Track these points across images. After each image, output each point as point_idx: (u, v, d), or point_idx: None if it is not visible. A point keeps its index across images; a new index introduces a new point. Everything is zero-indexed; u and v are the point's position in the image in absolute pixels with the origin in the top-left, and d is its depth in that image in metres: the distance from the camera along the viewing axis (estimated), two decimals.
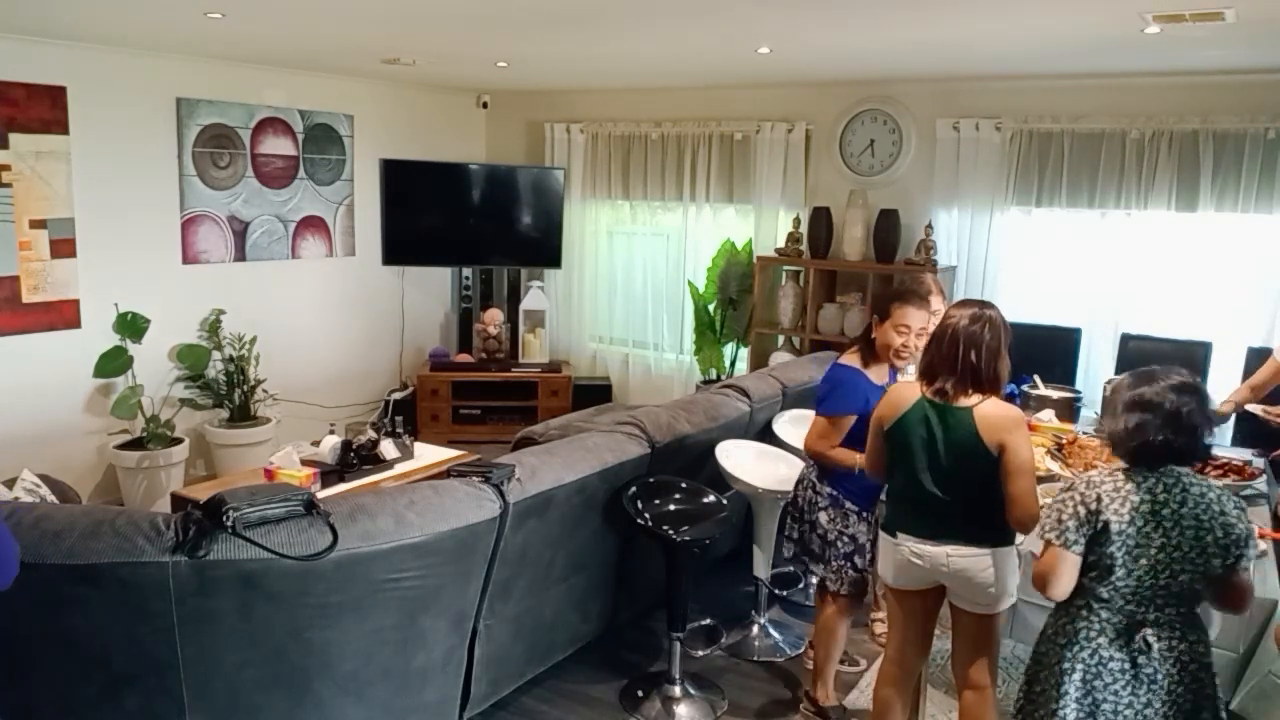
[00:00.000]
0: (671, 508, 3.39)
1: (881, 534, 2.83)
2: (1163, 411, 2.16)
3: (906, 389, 2.74)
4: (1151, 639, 2.18)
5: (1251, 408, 3.84)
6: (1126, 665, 2.19)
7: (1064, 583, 2.21)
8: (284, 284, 6.10)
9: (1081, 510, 2.18)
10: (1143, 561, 2.15)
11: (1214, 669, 2.24)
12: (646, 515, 3.28)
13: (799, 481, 3.32)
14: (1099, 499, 2.17)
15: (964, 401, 2.61)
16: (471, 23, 4.09)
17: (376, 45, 4.85)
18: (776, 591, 4.13)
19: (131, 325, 5.14)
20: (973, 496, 2.61)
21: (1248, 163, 4.67)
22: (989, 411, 2.59)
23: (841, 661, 3.51)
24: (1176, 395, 2.16)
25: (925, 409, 2.65)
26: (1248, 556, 2.15)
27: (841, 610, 3.25)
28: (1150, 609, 2.19)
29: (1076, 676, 2.21)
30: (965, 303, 2.75)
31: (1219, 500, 2.16)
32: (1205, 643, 2.24)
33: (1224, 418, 3.90)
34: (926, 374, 2.68)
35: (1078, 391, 4.44)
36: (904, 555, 2.70)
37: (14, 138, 4.68)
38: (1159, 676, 2.19)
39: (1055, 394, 4.27)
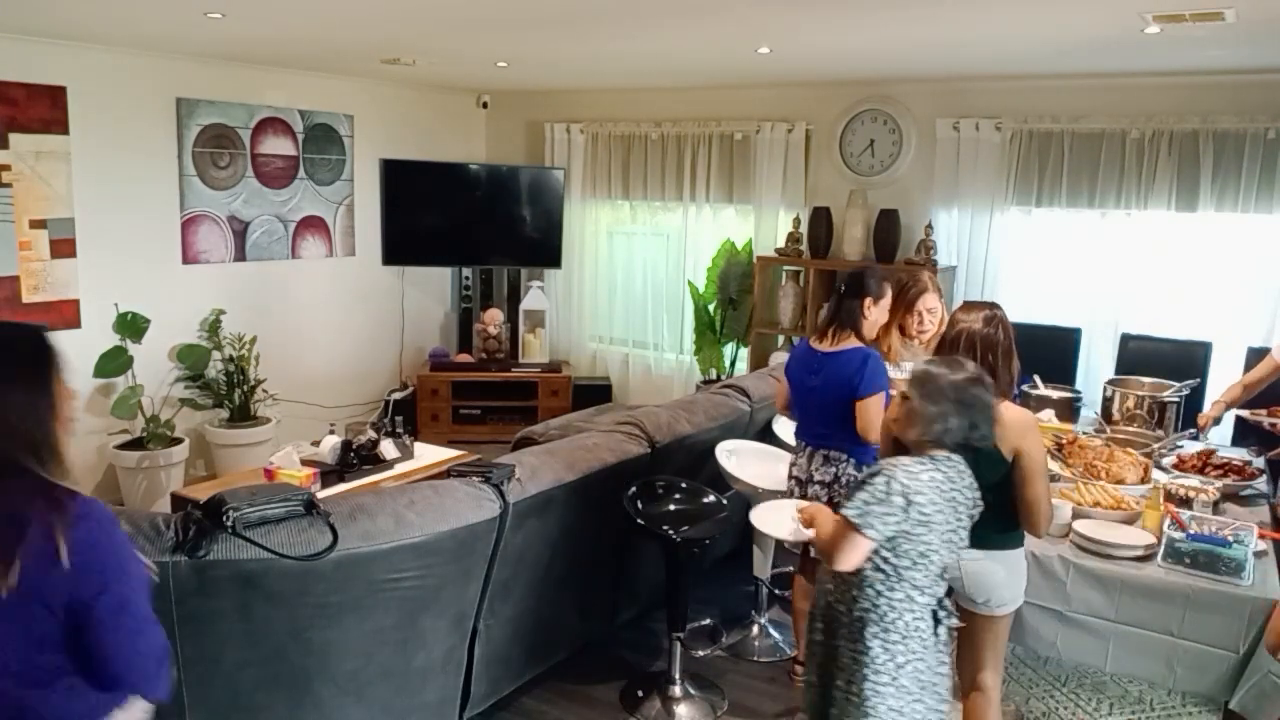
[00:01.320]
0: (671, 508, 3.39)
1: None
2: (983, 406, 2.29)
3: None
4: (948, 605, 2.34)
5: (1239, 411, 3.86)
6: (933, 638, 2.31)
7: (854, 561, 2.23)
8: (284, 284, 6.10)
9: (900, 501, 2.18)
10: (947, 544, 2.27)
11: None
12: (646, 515, 3.28)
13: (825, 483, 3.25)
14: (920, 491, 2.19)
15: None
16: (471, 23, 4.09)
17: (376, 45, 4.85)
18: (776, 591, 4.13)
19: (131, 325, 5.14)
20: (986, 500, 2.60)
21: (1248, 163, 4.67)
22: (1004, 417, 2.58)
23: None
24: (987, 391, 2.31)
25: None
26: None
27: None
28: (939, 586, 2.32)
29: (909, 666, 2.27)
30: (973, 305, 2.75)
31: (970, 475, 2.34)
32: None
33: (1213, 423, 3.91)
34: None
35: (1078, 391, 4.44)
36: None
37: (14, 138, 4.68)
38: (948, 638, 2.37)
39: (1055, 394, 4.27)
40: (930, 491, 2.20)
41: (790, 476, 3.41)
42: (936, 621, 2.30)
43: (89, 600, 1.52)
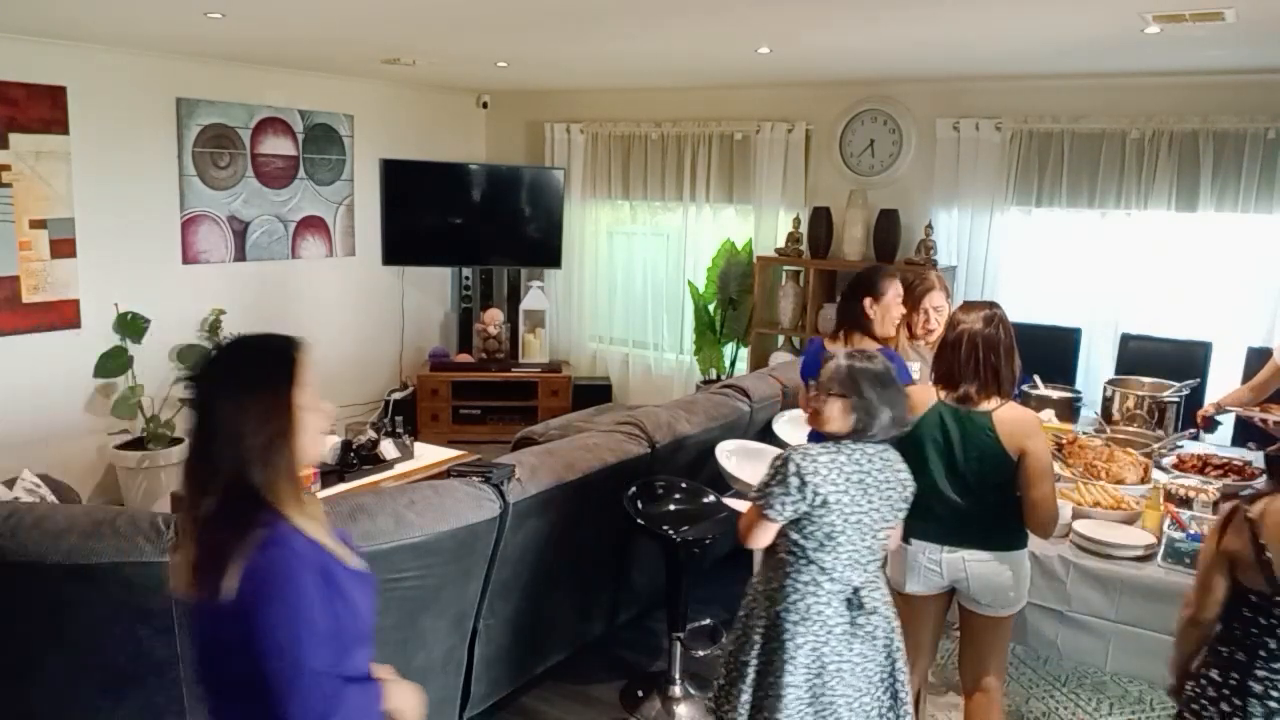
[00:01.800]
0: (671, 508, 3.39)
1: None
2: (903, 398, 2.38)
3: (920, 393, 2.72)
4: (865, 599, 2.35)
5: (1233, 407, 3.87)
6: (847, 625, 2.34)
7: (761, 541, 2.35)
8: (284, 284, 6.10)
9: (795, 481, 2.26)
10: (857, 527, 2.30)
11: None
12: (646, 515, 3.28)
13: None
14: (815, 472, 2.26)
15: (984, 406, 2.60)
16: (471, 23, 4.09)
17: (376, 45, 4.85)
18: None
19: (131, 325, 5.14)
20: (990, 501, 2.60)
21: (1248, 163, 4.67)
22: (1008, 417, 2.58)
23: None
24: (896, 382, 2.39)
25: (941, 413, 2.64)
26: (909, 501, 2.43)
27: None
28: (861, 571, 2.35)
29: (809, 646, 2.32)
30: (972, 305, 2.74)
31: (899, 460, 2.41)
32: (888, 587, 2.48)
33: (1214, 411, 3.92)
34: (946, 380, 2.66)
35: (1078, 391, 4.43)
36: (920, 562, 2.69)
37: (14, 138, 4.68)
38: (873, 629, 2.37)
39: (1055, 394, 4.27)
40: (828, 472, 2.27)
41: None
42: (850, 609, 2.34)
43: (247, 637, 1.42)
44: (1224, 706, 2.01)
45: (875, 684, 2.40)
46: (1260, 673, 1.96)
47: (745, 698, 2.38)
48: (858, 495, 2.29)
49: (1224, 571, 2.03)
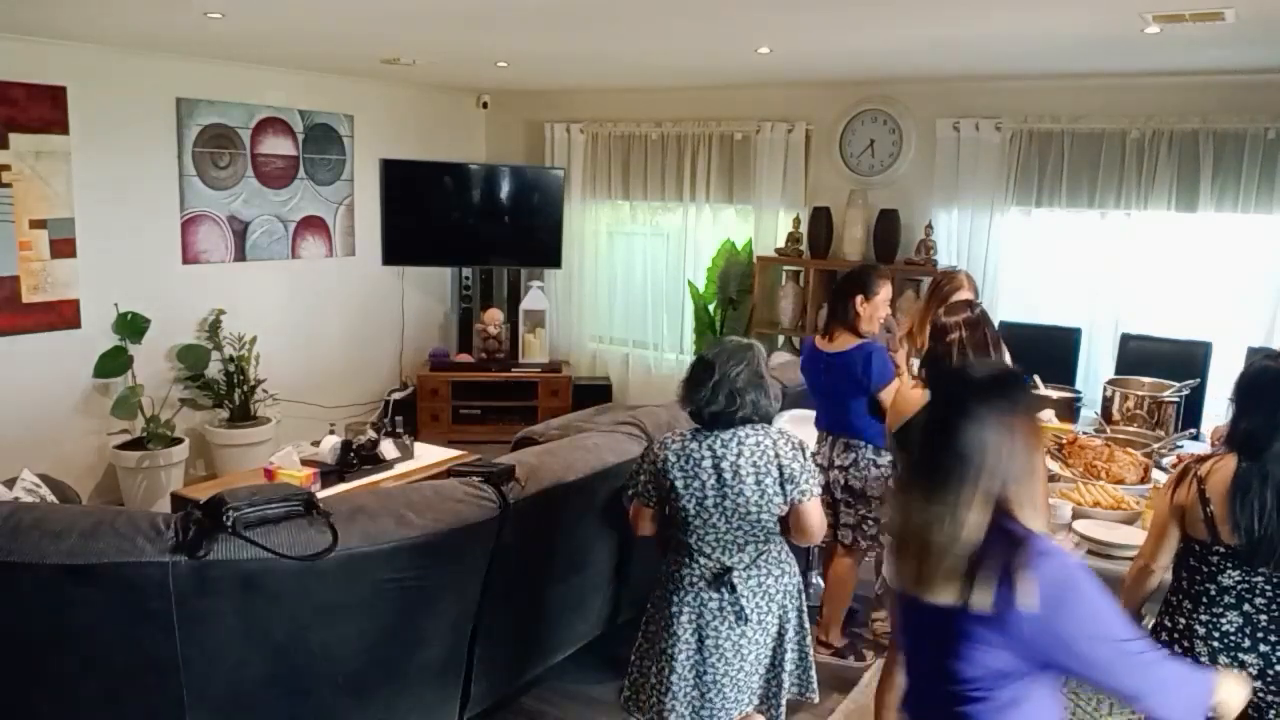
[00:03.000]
0: None
1: (890, 539, 2.83)
2: (729, 383, 2.45)
3: (912, 393, 2.73)
4: (737, 582, 2.46)
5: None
6: (724, 604, 2.47)
7: (643, 528, 2.62)
8: (284, 284, 6.10)
9: (651, 469, 2.50)
10: (715, 512, 2.43)
11: (798, 596, 2.60)
12: None
13: (844, 468, 3.49)
14: (665, 460, 2.46)
15: None
16: (471, 23, 4.09)
17: (376, 45, 4.85)
18: None
19: (131, 325, 5.14)
20: None
21: (1248, 163, 4.67)
22: None
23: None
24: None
25: None
26: (806, 490, 2.45)
27: (857, 560, 3.65)
28: (732, 553, 2.47)
29: (685, 617, 2.49)
30: (952, 308, 2.77)
31: (774, 446, 2.44)
32: (790, 574, 2.56)
33: None
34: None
35: (1078, 391, 4.44)
36: None
37: (14, 138, 4.68)
38: (749, 611, 2.47)
39: (1055, 394, 4.26)
40: (676, 459, 2.45)
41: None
42: (719, 587, 2.45)
43: (1050, 641, 1.51)
44: (1176, 650, 2.26)
45: (762, 665, 2.54)
46: (1204, 616, 2.23)
47: (638, 664, 2.62)
48: (710, 481, 2.41)
49: (1176, 523, 2.28)
